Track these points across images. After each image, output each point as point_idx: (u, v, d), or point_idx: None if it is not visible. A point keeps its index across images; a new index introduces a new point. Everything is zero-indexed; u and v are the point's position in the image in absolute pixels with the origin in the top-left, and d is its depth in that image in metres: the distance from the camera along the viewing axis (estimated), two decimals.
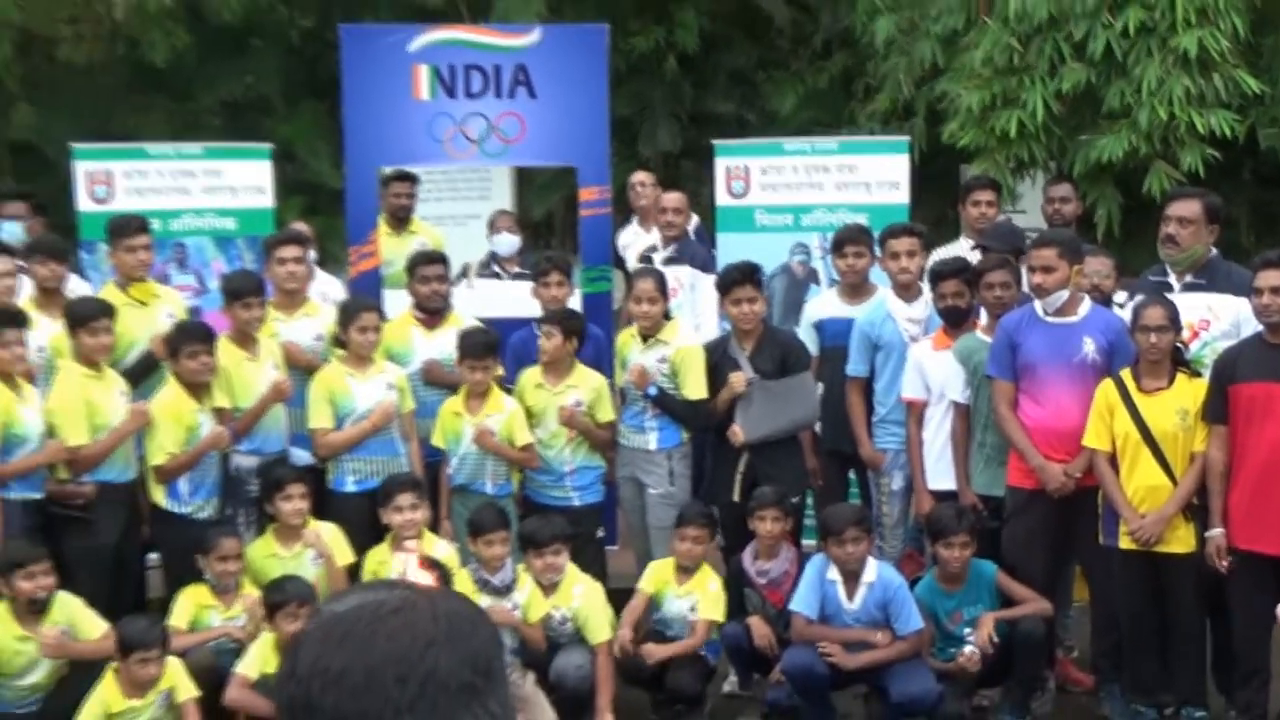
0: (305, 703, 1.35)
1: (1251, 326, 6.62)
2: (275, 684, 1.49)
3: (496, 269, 9.44)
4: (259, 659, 6.40)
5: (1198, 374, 6.65)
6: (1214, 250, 7.30)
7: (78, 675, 6.34)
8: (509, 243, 9.44)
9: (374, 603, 1.41)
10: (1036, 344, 6.87)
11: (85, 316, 7.05)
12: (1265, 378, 6.32)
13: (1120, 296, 7.29)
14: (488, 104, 8.35)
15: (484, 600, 6.88)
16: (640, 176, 10.08)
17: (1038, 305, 6.97)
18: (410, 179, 9.29)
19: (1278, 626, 6.61)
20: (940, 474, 7.34)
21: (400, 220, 9.21)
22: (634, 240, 9.86)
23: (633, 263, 9.36)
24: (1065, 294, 6.84)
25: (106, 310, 7.13)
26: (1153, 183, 9.02)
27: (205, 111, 13.55)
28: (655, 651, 6.97)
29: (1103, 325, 6.91)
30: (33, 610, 6.31)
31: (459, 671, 1.36)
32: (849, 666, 6.75)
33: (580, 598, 7.05)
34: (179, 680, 6.20)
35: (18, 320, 6.92)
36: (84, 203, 8.74)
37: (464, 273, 9.47)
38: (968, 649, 6.65)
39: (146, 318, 7.61)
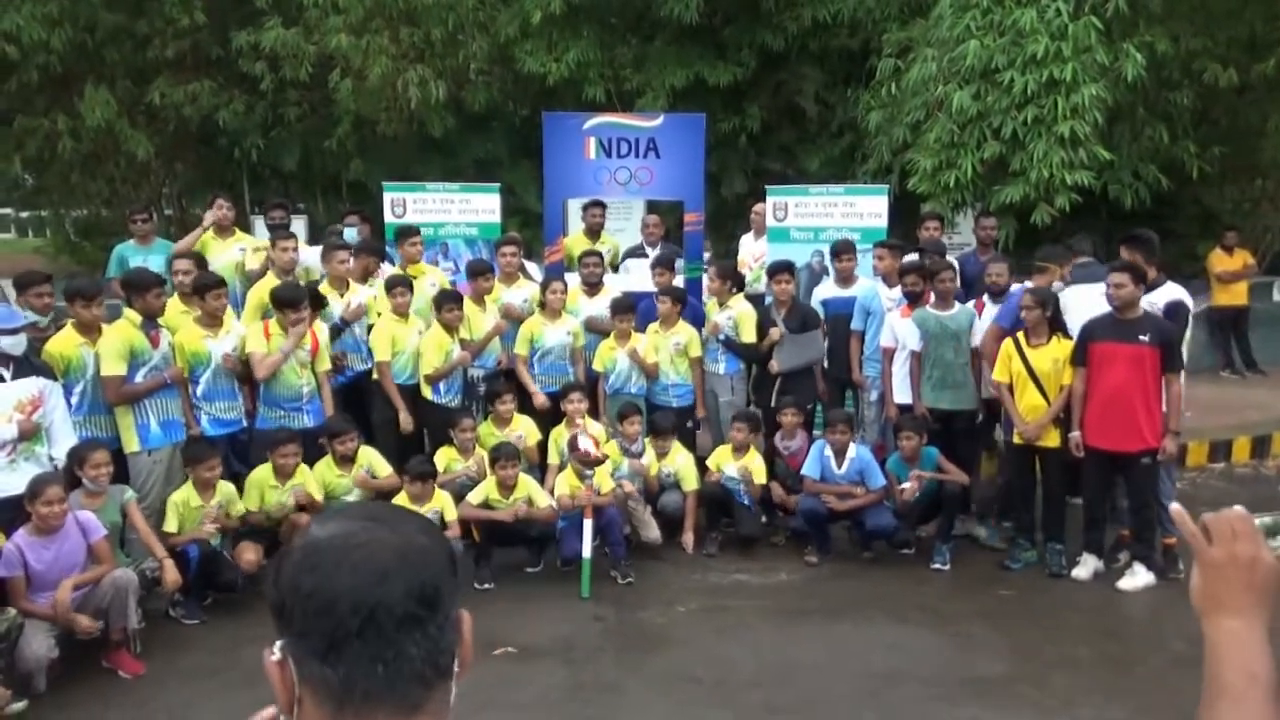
0: (281, 608, 1.06)
1: (1101, 307, 6.29)
2: (267, 584, 1.11)
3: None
4: (482, 491, 6.42)
5: (1068, 335, 6.36)
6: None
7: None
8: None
9: (344, 534, 1.06)
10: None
11: (392, 285, 7.15)
12: (1110, 339, 6.04)
13: (1016, 287, 6.98)
14: (630, 161, 8.16)
15: (627, 461, 6.87)
16: (759, 206, 9.32)
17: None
18: (602, 205, 8.81)
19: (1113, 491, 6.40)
20: (902, 393, 7.10)
21: (594, 232, 8.79)
22: (749, 244, 9.34)
23: (750, 260, 8.97)
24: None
25: (407, 283, 7.23)
26: (1038, 217, 8.80)
27: (462, 164, 13.60)
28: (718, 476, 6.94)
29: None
30: (346, 459, 6.40)
31: (404, 603, 1.03)
32: (839, 508, 6.63)
33: (681, 463, 6.99)
34: (443, 501, 6.26)
35: (343, 287, 6.99)
36: (389, 217, 8.74)
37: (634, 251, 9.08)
38: (907, 485, 6.51)
39: (418, 286, 7.51)
